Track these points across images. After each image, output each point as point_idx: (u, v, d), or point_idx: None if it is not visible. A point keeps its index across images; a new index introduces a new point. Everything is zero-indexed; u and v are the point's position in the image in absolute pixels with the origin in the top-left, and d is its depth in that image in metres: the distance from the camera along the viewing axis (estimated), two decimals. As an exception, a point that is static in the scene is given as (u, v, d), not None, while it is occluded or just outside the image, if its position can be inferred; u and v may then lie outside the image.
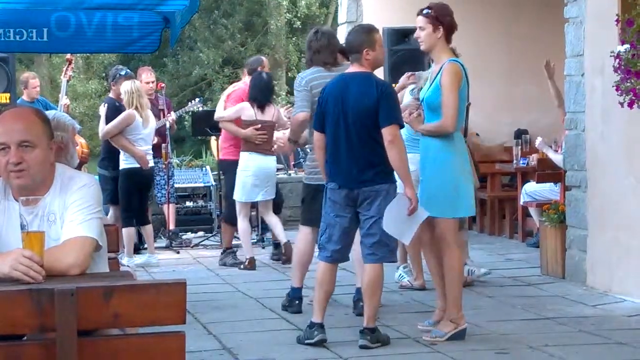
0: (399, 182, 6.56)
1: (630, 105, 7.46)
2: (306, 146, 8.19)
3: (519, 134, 12.67)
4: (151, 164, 10.48)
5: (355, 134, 6.51)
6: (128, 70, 11.20)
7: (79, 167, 6.11)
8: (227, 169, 10.43)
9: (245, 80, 10.46)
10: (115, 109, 10.48)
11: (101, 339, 3.40)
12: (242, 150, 9.97)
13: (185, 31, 25.93)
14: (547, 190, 10.65)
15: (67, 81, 11.44)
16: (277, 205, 10.54)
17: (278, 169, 12.75)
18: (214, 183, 12.87)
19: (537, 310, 7.64)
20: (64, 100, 11.26)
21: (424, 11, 6.72)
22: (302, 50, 25.88)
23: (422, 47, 6.82)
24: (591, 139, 8.54)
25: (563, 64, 8.94)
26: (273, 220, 10.11)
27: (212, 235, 12.38)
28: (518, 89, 13.47)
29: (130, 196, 10.37)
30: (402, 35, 10.84)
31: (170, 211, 11.73)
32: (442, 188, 6.63)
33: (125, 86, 10.33)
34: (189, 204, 12.95)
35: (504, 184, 12.71)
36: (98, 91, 28.82)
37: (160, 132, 11.28)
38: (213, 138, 12.88)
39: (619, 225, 8.13)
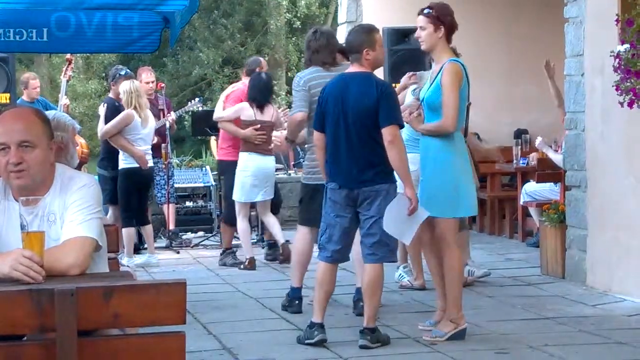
0: (399, 182, 6.56)
1: (630, 105, 7.46)
2: (305, 146, 8.19)
3: (519, 133, 12.67)
4: (150, 164, 10.47)
5: (355, 134, 6.51)
6: (128, 70, 11.20)
7: (78, 167, 6.11)
8: (226, 169, 10.43)
9: (244, 81, 10.46)
10: (114, 109, 10.48)
11: (101, 339, 3.40)
12: (241, 150, 9.97)
13: (185, 31, 25.92)
14: (547, 190, 10.65)
15: (67, 81, 11.45)
16: (276, 206, 10.54)
17: (278, 169, 12.77)
18: (213, 183, 12.87)
19: (537, 310, 7.64)
20: (63, 100, 11.26)
21: (425, 11, 6.72)
22: (301, 50, 25.84)
23: (423, 47, 6.81)
24: (591, 139, 8.54)
25: (563, 64, 8.94)
26: (271, 221, 10.11)
27: (212, 235, 12.38)
28: (518, 89, 13.47)
29: (129, 196, 10.37)
30: (402, 35, 10.85)
31: (170, 211, 11.73)
32: (442, 188, 6.63)
33: (124, 86, 10.32)
34: (188, 204, 12.95)
35: (504, 183, 12.71)
36: (98, 91, 28.82)
37: (160, 132, 11.28)
38: (213, 138, 12.89)
39: (619, 225, 8.13)
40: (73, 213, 3.79)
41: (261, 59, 11.10)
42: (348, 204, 6.56)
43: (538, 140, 10.60)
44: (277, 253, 10.27)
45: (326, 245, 6.63)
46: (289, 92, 24.71)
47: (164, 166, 11.46)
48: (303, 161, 8.36)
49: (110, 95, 11.01)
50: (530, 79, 12.88)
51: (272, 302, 8.03)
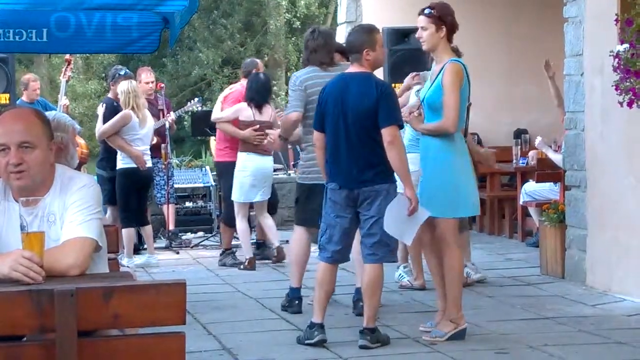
0: (399, 182, 6.56)
1: (630, 104, 7.47)
2: (301, 145, 8.18)
3: (519, 133, 12.67)
4: (149, 164, 10.45)
5: (355, 135, 6.51)
6: (127, 71, 11.20)
7: (78, 168, 6.11)
8: (224, 170, 10.41)
9: (242, 82, 10.45)
10: (113, 109, 10.47)
11: (101, 340, 3.40)
12: (240, 150, 9.96)
13: (185, 31, 25.91)
14: (546, 189, 10.65)
15: (67, 81, 11.45)
16: (273, 206, 10.54)
17: (277, 169, 12.77)
18: (213, 183, 12.86)
19: (536, 310, 7.64)
20: (63, 100, 11.26)
21: (426, 11, 6.70)
22: (301, 50, 25.83)
23: (424, 47, 6.80)
24: (591, 139, 8.54)
25: (563, 64, 8.94)
26: (267, 222, 10.11)
27: (212, 236, 12.37)
28: (518, 89, 13.46)
29: (128, 196, 10.36)
30: (402, 35, 10.85)
31: (169, 211, 11.73)
32: (442, 188, 6.63)
33: (122, 86, 10.32)
34: (188, 204, 12.94)
35: (504, 183, 12.71)
36: (97, 92, 28.81)
37: (159, 132, 11.28)
38: (212, 138, 12.87)
39: (619, 224, 8.13)
40: (73, 214, 3.79)
41: (257, 60, 11.09)
42: (348, 205, 6.56)
43: (538, 140, 10.60)
44: (267, 253, 10.29)
45: (326, 245, 6.63)
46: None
47: (163, 166, 11.46)
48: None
49: (110, 95, 11.01)
50: (530, 79, 12.88)
51: (272, 303, 8.03)
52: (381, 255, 6.52)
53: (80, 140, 10.09)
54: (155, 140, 10.95)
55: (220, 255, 10.47)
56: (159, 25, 7.10)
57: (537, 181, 10.50)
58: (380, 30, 7.08)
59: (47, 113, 4.73)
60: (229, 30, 28.48)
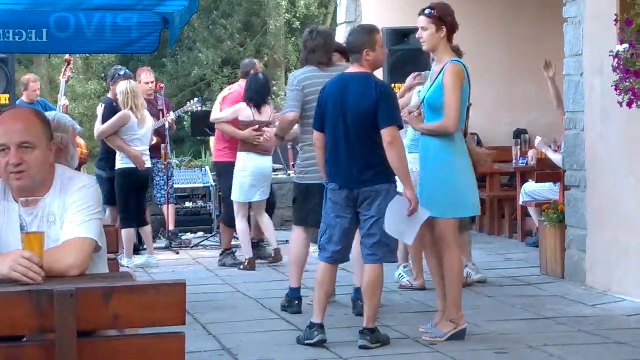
0: (399, 182, 6.56)
1: (629, 104, 7.47)
2: (299, 145, 8.18)
3: (519, 133, 12.66)
4: (148, 164, 10.44)
5: (355, 135, 6.51)
6: (127, 71, 11.20)
7: (78, 168, 6.11)
8: (223, 170, 10.40)
9: (241, 83, 10.45)
10: (112, 109, 10.47)
11: (101, 340, 3.40)
12: (239, 150, 9.96)
13: (185, 32, 25.90)
14: (546, 190, 10.64)
15: (66, 82, 11.45)
16: (271, 206, 10.54)
17: (277, 170, 12.76)
18: (213, 183, 12.86)
19: (536, 310, 7.64)
20: (63, 101, 11.27)
21: (427, 11, 6.70)
22: (301, 50, 25.89)
23: (425, 48, 6.80)
24: (590, 139, 8.54)
25: (563, 64, 8.94)
26: (266, 222, 10.10)
27: (212, 236, 12.37)
28: (518, 89, 13.46)
29: (127, 196, 10.35)
30: (402, 35, 10.86)
31: (169, 212, 11.73)
32: (441, 188, 6.63)
33: (121, 87, 10.31)
34: (188, 204, 12.95)
35: (503, 183, 12.71)
36: (97, 92, 28.80)
37: (159, 132, 11.28)
38: (212, 138, 12.88)
39: (618, 225, 8.13)
40: (73, 214, 3.79)
41: (256, 60, 11.08)
42: (348, 205, 6.56)
43: (537, 140, 10.60)
44: (262, 253, 10.30)
45: (326, 246, 6.63)
46: (289, 93, 24.65)
47: (163, 167, 11.46)
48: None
49: (109, 95, 11.01)
50: (530, 79, 12.87)
51: (272, 303, 8.03)
52: (381, 255, 6.52)
53: (80, 141, 10.10)
54: (155, 141, 10.95)
55: (220, 255, 10.46)
56: (158, 26, 7.11)
57: (537, 181, 10.50)
58: (380, 31, 7.08)
59: (47, 113, 4.73)
60: (228, 31, 28.47)
